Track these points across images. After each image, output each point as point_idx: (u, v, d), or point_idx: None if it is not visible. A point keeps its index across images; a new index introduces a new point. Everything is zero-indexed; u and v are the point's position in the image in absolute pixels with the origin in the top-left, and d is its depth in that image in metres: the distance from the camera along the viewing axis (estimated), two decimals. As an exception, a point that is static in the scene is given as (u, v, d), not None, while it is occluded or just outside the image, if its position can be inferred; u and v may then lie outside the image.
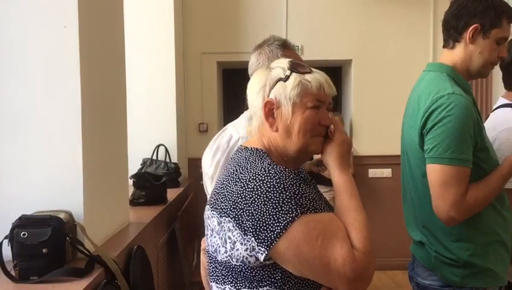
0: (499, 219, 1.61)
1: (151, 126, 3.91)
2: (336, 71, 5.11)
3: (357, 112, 4.69)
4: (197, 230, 3.60)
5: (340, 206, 1.15)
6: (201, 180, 1.76)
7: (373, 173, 4.68)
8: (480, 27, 1.61)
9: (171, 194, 3.28)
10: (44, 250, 1.49)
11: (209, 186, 1.65)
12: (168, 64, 4.08)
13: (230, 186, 1.13)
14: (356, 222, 1.10)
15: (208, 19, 4.57)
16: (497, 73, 2.01)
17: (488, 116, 1.97)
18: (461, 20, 1.63)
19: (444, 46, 1.71)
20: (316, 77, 1.20)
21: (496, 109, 1.95)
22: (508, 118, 1.83)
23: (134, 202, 2.89)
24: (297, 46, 4.28)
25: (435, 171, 1.52)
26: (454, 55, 1.66)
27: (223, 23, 4.58)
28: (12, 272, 1.49)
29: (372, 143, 4.63)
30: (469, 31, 1.62)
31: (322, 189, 1.35)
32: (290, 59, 1.28)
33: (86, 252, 1.60)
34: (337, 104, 5.21)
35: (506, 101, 1.92)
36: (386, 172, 4.64)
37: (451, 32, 1.66)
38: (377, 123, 4.60)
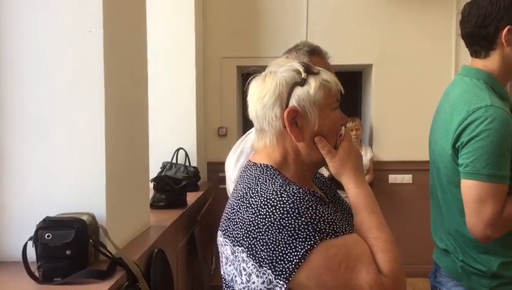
0: None
1: (171, 130, 3.93)
2: (356, 76, 5.09)
3: (377, 117, 4.66)
4: (216, 234, 3.59)
5: (360, 225, 1.06)
6: (221, 184, 1.77)
7: (393, 178, 4.64)
8: None
9: (191, 197, 3.28)
10: (67, 252, 1.50)
11: (232, 190, 1.65)
12: (188, 68, 4.10)
13: (241, 213, 1.05)
14: (380, 241, 1.02)
15: (228, 23, 4.60)
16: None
17: None
18: (489, 27, 1.51)
19: (475, 57, 1.60)
20: (330, 76, 1.13)
21: None
22: None
23: (154, 205, 2.90)
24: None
25: (470, 188, 1.44)
26: (490, 62, 1.55)
27: (243, 27, 4.60)
28: (36, 273, 1.51)
29: (392, 148, 4.60)
30: (503, 36, 1.51)
31: (343, 194, 1.29)
32: (298, 61, 1.20)
33: (108, 254, 1.61)
34: (356, 109, 5.18)
35: None
36: (407, 178, 4.60)
37: (482, 43, 1.55)
38: (398, 128, 4.56)
